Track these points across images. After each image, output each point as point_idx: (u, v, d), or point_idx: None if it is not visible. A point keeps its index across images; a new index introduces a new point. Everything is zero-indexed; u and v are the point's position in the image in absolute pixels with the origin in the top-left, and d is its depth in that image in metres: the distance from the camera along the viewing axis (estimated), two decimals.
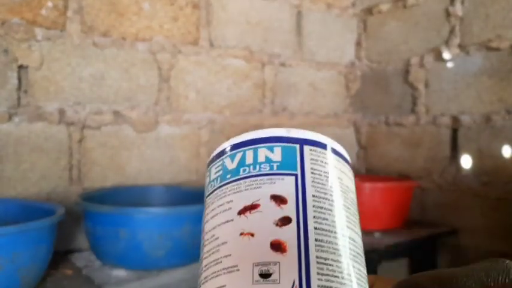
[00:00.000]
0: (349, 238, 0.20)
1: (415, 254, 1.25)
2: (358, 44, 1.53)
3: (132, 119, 1.12)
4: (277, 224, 0.19)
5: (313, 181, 0.21)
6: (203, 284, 0.20)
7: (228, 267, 0.19)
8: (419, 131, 1.34)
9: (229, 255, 0.19)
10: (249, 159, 0.22)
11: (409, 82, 1.37)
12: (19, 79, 0.99)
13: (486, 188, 1.17)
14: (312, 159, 0.22)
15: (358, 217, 0.22)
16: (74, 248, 1.03)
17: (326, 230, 0.20)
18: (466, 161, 1.22)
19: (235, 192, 0.21)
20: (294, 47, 1.40)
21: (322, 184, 0.21)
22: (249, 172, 0.21)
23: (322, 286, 0.18)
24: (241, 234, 0.20)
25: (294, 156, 0.22)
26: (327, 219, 0.20)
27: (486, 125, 1.18)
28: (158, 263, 0.88)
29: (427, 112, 1.32)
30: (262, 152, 0.22)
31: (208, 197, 0.23)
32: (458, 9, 1.23)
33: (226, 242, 0.20)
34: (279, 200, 0.20)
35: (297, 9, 1.40)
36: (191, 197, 1.04)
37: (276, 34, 1.36)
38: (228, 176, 0.22)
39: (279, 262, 0.18)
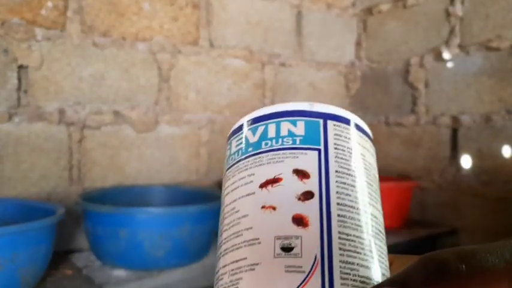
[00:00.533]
0: (371, 215, 0.20)
1: (414, 254, 1.25)
2: (358, 44, 1.53)
3: (132, 119, 1.12)
4: (299, 199, 0.19)
5: (336, 156, 0.20)
6: (223, 256, 0.20)
7: (249, 240, 0.19)
8: (419, 131, 1.34)
9: (251, 228, 0.19)
10: (272, 133, 0.22)
11: (409, 82, 1.37)
12: (19, 79, 0.99)
13: (486, 188, 1.17)
14: (335, 134, 0.21)
15: (379, 194, 0.22)
16: (74, 248, 1.03)
17: (349, 206, 0.19)
18: (466, 161, 1.22)
19: (256, 166, 0.21)
20: (294, 47, 1.40)
21: (346, 160, 0.21)
22: (271, 146, 0.21)
23: (344, 262, 0.18)
24: (263, 207, 0.19)
25: (317, 130, 0.21)
26: (349, 195, 0.19)
27: (486, 125, 1.18)
28: (158, 263, 0.88)
29: (427, 112, 1.32)
30: (285, 126, 0.21)
31: (229, 170, 0.22)
32: (458, 9, 1.23)
33: (247, 215, 0.20)
34: (301, 174, 0.20)
35: (297, 9, 1.40)
36: (191, 197, 1.04)
37: (276, 34, 1.36)
38: (250, 149, 0.22)
39: (301, 236, 0.18)
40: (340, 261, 0.18)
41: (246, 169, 0.21)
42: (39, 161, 1.01)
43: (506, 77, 1.14)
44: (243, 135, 0.23)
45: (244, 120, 0.24)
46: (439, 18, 1.28)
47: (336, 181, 0.20)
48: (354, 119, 0.23)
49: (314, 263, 0.17)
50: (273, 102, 1.36)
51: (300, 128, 0.21)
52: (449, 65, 1.26)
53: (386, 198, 1.07)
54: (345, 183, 0.20)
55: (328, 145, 0.21)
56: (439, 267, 0.16)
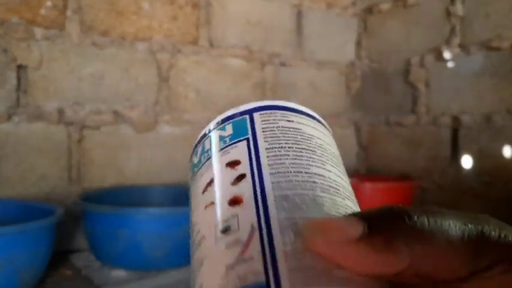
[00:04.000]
0: (316, 174, 0.20)
1: None
2: (359, 43, 1.53)
3: (131, 119, 1.12)
4: (233, 184, 0.20)
5: (265, 137, 0.21)
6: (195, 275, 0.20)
7: (199, 240, 0.19)
8: (420, 131, 1.34)
9: (199, 231, 0.20)
10: (207, 146, 0.23)
11: (409, 82, 1.36)
12: (18, 79, 0.98)
13: (487, 188, 1.17)
14: (263, 121, 0.22)
15: (331, 159, 0.22)
16: (73, 248, 1.03)
17: (283, 172, 0.19)
18: (467, 161, 1.22)
19: (200, 177, 0.22)
20: (294, 47, 1.40)
21: (276, 137, 0.21)
22: (208, 155, 0.23)
23: (284, 218, 0.17)
24: (205, 207, 0.20)
25: (244, 125, 0.22)
26: (283, 163, 0.20)
27: (487, 125, 1.17)
28: (157, 263, 0.88)
29: (428, 112, 1.31)
30: (216, 134, 0.23)
31: (189, 191, 0.24)
32: (458, 8, 1.23)
33: (197, 223, 0.20)
34: (233, 164, 0.21)
35: (297, 9, 1.40)
36: None
37: (276, 33, 1.36)
38: (195, 169, 0.23)
39: (237, 214, 0.18)
40: (279, 218, 0.17)
41: (195, 187, 0.22)
42: (38, 161, 1.00)
43: (506, 77, 1.14)
44: (191, 159, 0.25)
45: (194, 144, 0.26)
46: (440, 17, 1.28)
47: (267, 156, 0.20)
48: (283, 103, 0.24)
49: (251, 230, 0.17)
50: None
51: (228, 130, 0.23)
52: (450, 64, 1.26)
53: (387, 198, 1.06)
54: (276, 156, 0.20)
55: (256, 131, 0.22)
56: (402, 216, 0.15)
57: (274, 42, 1.35)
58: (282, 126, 0.22)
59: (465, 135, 1.23)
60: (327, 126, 0.25)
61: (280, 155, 0.20)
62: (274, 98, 1.37)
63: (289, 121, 0.23)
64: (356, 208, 0.20)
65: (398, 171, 1.39)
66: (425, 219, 0.15)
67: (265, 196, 0.19)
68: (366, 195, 1.18)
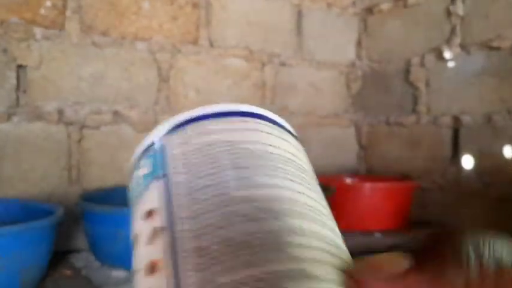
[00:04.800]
0: (245, 198, 0.16)
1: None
2: (359, 43, 1.53)
3: (131, 119, 1.12)
4: (149, 243, 0.16)
5: (182, 168, 0.17)
6: None
7: None
8: (420, 131, 1.33)
9: None
10: (132, 189, 0.20)
11: (409, 82, 1.36)
12: (18, 79, 0.98)
13: (487, 189, 1.17)
14: (179, 143, 0.18)
15: (270, 165, 0.17)
16: (73, 248, 1.03)
17: (205, 212, 0.16)
18: (467, 161, 1.22)
19: (130, 230, 0.19)
20: (294, 47, 1.40)
21: (195, 164, 0.17)
22: (132, 203, 0.19)
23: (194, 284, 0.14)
24: (132, 275, 0.17)
25: (159, 156, 0.19)
26: (207, 200, 0.16)
27: (487, 125, 1.17)
28: None
29: (428, 112, 1.31)
30: (136, 175, 0.20)
31: None
32: (459, 8, 1.23)
33: None
34: (149, 214, 0.17)
35: (297, 9, 1.40)
36: None
37: (276, 34, 1.36)
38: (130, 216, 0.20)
39: None
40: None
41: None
42: (38, 161, 1.00)
43: (507, 77, 1.14)
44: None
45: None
46: (440, 17, 1.28)
47: (185, 195, 0.17)
48: (195, 114, 0.19)
49: None
50: (273, 102, 1.35)
51: (144, 167, 0.19)
52: (450, 64, 1.26)
53: (387, 198, 1.06)
54: (196, 190, 0.17)
55: (169, 164, 0.18)
56: (451, 241, 0.15)
57: (274, 42, 1.35)
58: (202, 146, 0.18)
59: (466, 135, 1.22)
60: (269, 116, 0.20)
61: (202, 187, 0.16)
62: (274, 98, 1.37)
63: (208, 134, 0.18)
64: (306, 227, 0.16)
65: (399, 171, 1.39)
66: (481, 243, 0.15)
67: (178, 258, 0.15)
68: (366, 195, 1.18)
